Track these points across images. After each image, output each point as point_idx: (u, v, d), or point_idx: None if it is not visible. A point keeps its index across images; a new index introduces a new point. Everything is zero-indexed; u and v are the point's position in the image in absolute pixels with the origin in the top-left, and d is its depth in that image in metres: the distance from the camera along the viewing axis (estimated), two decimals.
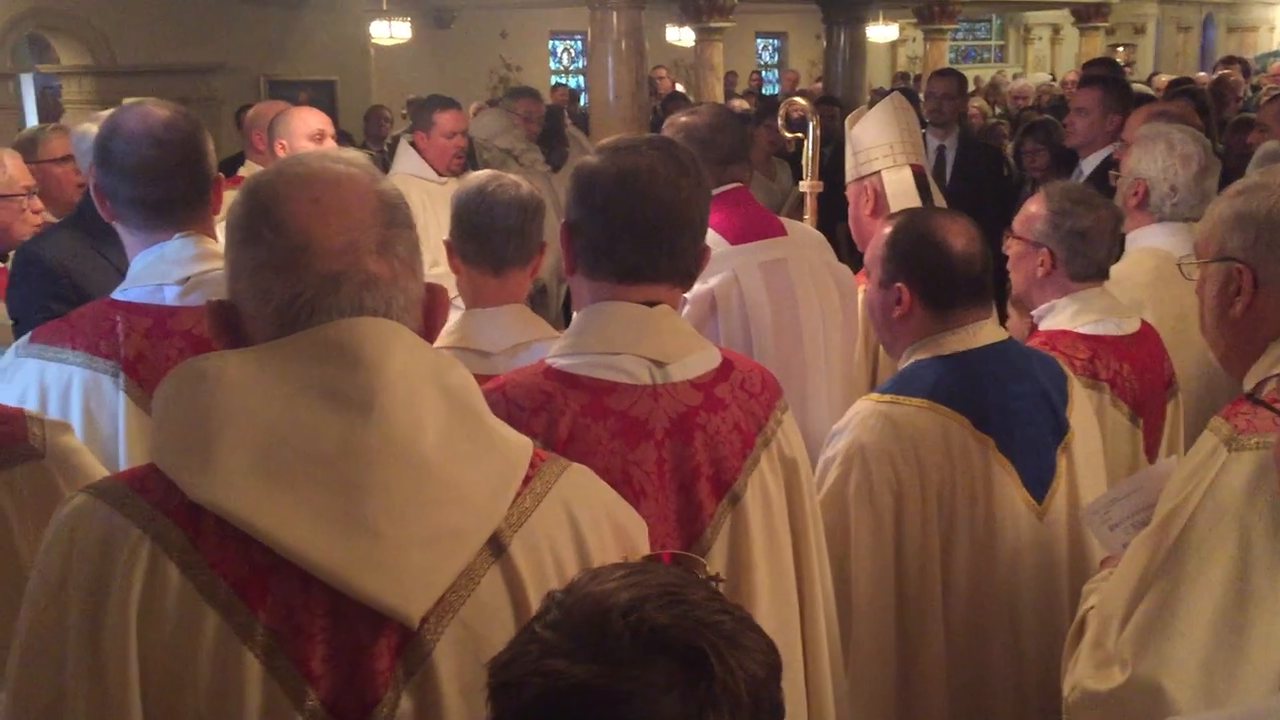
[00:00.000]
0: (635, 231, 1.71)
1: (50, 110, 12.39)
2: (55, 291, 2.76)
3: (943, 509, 2.18)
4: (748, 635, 1.03)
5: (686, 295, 2.05)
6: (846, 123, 3.30)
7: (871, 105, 3.29)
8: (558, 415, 1.64)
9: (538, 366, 1.73)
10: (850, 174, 3.21)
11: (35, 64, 11.99)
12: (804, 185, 3.63)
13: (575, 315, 1.81)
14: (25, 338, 2.11)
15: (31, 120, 13.05)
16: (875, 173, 3.13)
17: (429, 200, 4.46)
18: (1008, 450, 2.20)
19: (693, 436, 1.68)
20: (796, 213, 5.04)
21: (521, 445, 1.30)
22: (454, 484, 1.20)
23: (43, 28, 10.10)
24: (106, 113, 2.77)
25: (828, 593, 1.88)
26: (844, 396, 2.70)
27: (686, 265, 1.77)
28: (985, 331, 2.27)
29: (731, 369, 1.77)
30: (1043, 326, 2.68)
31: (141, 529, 1.15)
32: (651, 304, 1.73)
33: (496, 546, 1.22)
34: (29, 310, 2.80)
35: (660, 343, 1.71)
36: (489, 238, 2.43)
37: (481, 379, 2.19)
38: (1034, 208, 2.68)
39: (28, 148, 4.76)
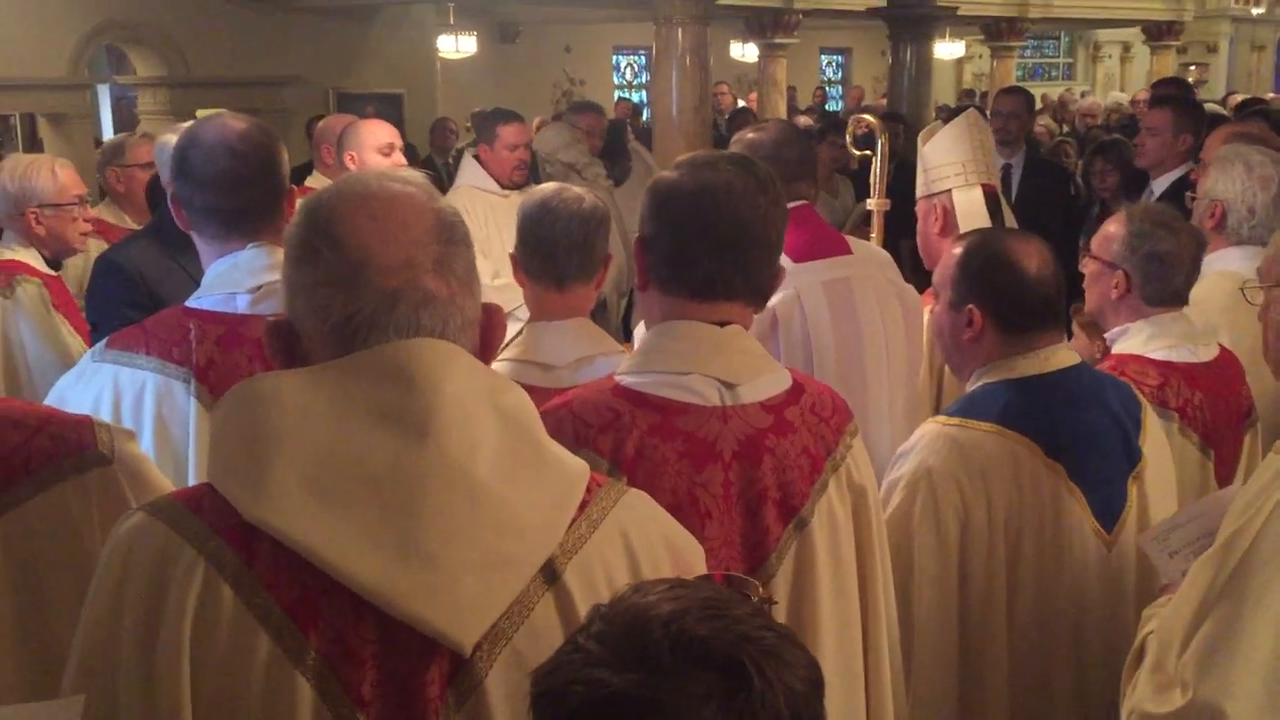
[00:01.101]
0: (711, 248, 1.69)
1: (125, 120, 12.69)
2: (132, 298, 2.81)
3: (1009, 536, 2.14)
4: (789, 651, 1.02)
5: None
6: (919, 139, 3.26)
7: (945, 122, 3.26)
8: (625, 434, 1.62)
9: (606, 383, 1.72)
10: (920, 190, 3.18)
11: (112, 75, 12.28)
12: (871, 203, 3.60)
13: (645, 333, 1.79)
14: (102, 343, 2.15)
15: (107, 129, 13.38)
16: (945, 191, 3.10)
17: (492, 213, 4.49)
18: (1078, 478, 2.16)
19: (761, 460, 1.66)
20: (860, 230, 5.01)
21: (578, 470, 1.29)
22: (509, 509, 1.18)
23: (120, 40, 10.34)
24: (185, 125, 2.83)
25: (892, 621, 1.85)
26: (907, 419, 2.67)
27: (761, 284, 1.75)
28: (1058, 356, 2.23)
29: (802, 392, 1.75)
30: (1115, 350, 2.63)
31: (196, 549, 1.15)
32: (723, 323, 1.71)
33: (550, 574, 1.21)
34: (106, 315, 2.86)
35: (731, 363, 1.69)
36: (552, 254, 2.43)
37: (544, 392, 2.22)
38: (1113, 228, 2.63)
39: (116, 152, 4.98)
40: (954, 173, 3.08)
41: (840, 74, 21.98)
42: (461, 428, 1.18)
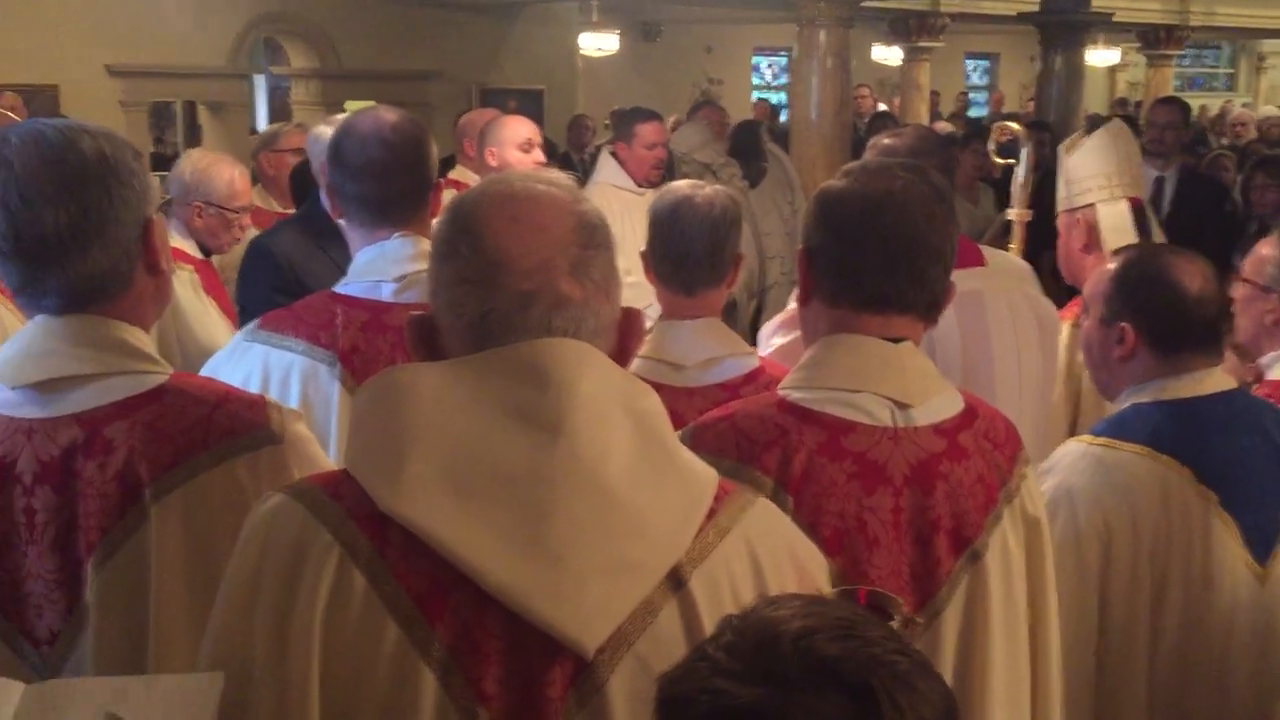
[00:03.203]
0: (884, 259, 1.63)
1: (279, 110, 13.16)
2: (280, 283, 2.91)
3: (1155, 563, 2.05)
4: (924, 680, 0.98)
5: None
6: (1061, 149, 3.16)
7: (1088, 132, 3.15)
8: (792, 452, 1.58)
9: (770, 397, 1.67)
10: (1062, 203, 3.07)
11: (268, 66, 12.75)
12: (1012, 213, 3.50)
13: (812, 346, 1.72)
14: (254, 323, 2.22)
15: (262, 118, 13.90)
16: (1089, 205, 2.99)
17: (627, 210, 4.51)
18: (1231, 507, 2.05)
19: (934, 486, 1.59)
20: (1000, 240, 4.88)
21: (707, 477, 1.27)
22: (637, 513, 1.18)
23: (277, 32, 10.74)
24: (341, 116, 2.92)
25: (1060, 664, 1.77)
26: (1038, 439, 2.58)
27: (934, 297, 1.68)
28: (1213, 379, 2.12)
29: (975, 415, 1.68)
30: (1270, 376, 2.50)
31: (332, 534, 1.17)
32: (894, 338, 1.65)
33: (676, 581, 1.19)
34: (255, 299, 2.96)
35: (904, 383, 1.62)
36: (680, 261, 2.40)
37: (673, 391, 2.22)
38: (1266, 250, 2.50)
39: (270, 139, 5.28)
40: (1098, 185, 2.97)
41: (987, 79, 21.48)
42: (594, 429, 1.18)
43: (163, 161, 10.75)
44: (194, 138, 12.51)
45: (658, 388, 2.22)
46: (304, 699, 1.14)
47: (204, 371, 2.21)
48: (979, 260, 2.68)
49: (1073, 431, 2.56)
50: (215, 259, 3.92)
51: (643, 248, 2.54)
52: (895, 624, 1.28)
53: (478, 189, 1.30)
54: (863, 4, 8.24)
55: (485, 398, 1.18)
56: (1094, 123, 7.59)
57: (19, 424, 1.52)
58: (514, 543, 1.14)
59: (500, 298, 1.21)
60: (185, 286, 3.65)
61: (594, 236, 1.26)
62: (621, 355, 1.30)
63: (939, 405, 1.65)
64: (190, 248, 3.77)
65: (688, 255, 2.40)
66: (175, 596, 1.49)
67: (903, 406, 1.62)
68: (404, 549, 1.15)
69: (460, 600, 1.14)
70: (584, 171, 7.72)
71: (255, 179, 5.23)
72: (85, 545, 1.50)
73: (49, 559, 1.51)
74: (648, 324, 2.50)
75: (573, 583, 1.14)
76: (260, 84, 14.09)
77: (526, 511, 1.15)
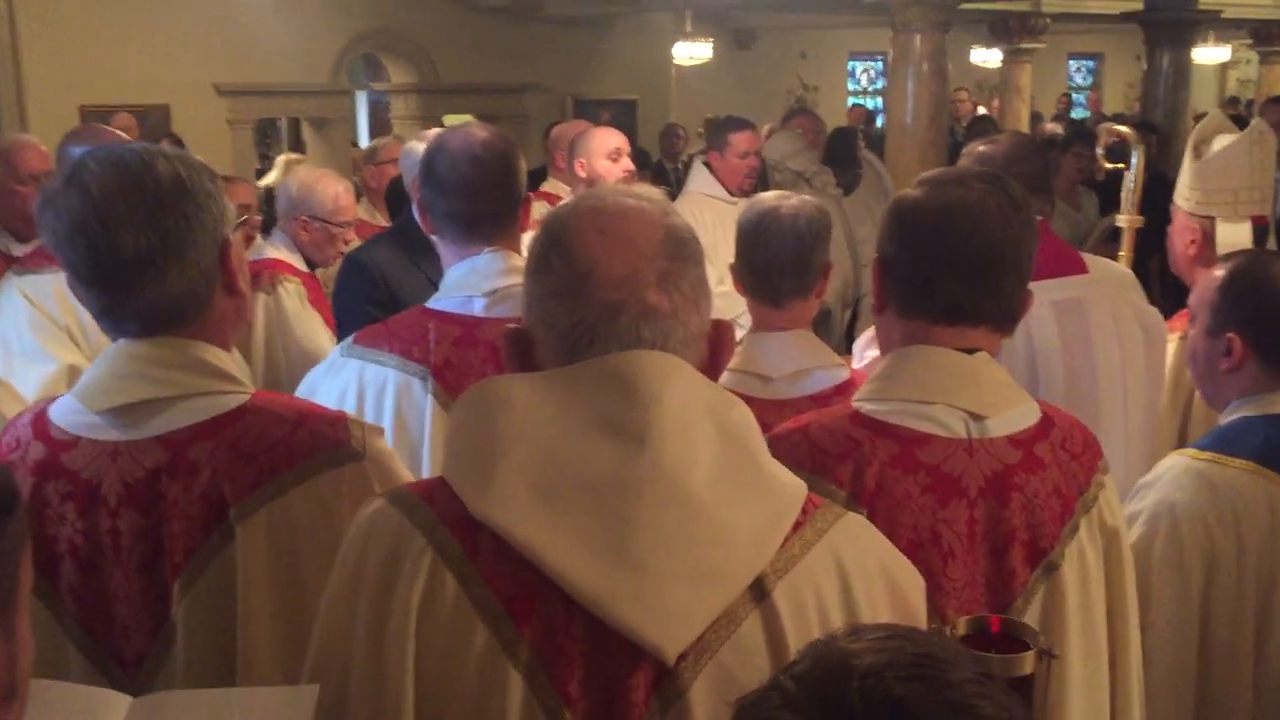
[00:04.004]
0: (958, 271, 1.61)
1: (380, 124, 13.45)
2: (373, 296, 2.96)
3: (1261, 584, 1.97)
4: None
5: None
6: (1190, 141, 3.00)
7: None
8: (865, 464, 1.57)
9: (844, 409, 1.67)
10: (1180, 200, 2.93)
11: (368, 82, 13.04)
12: (1121, 219, 3.40)
13: (885, 357, 1.72)
14: (350, 339, 2.27)
15: (363, 133, 14.22)
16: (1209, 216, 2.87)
17: (719, 219, 4.50)
18: None
19: (1009, 498, 1.58)
20: (1105, 246, 4.75)
21: (795, 489, 1.27)
22: (721, 523, 1.18)
23: (377, 48, 10.96)
24: (433, 131, 2.97)
25: (1140, 676, 1.73)
26: (1143, 453, 2.50)
27: (1010, 309, 1.66)
28: None
29: (1052, 425, 1.65)
30: None
31: (426, 538, 1.20)
32: (968, 350, 1.63)
33: (759, 591, 1.19)
34: (350, 312, 3.02)
35: (979, 394, 1.61)
36: (767, 273, 2.40)
37: (763, 403, 2.21)
38: None
39: (372, 154, 5.52)
40: (1224, 200, 2.82)
41: (1090, 80, 20.97)
42: (679, 439, 1.19)
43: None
44: (298, 152, 12.86)
45: (747, 400, 2.22)
46: (400, 697, 1.17)
47: (303, 385, 2.28)
48: (1081, 268, 2.62)
49: (1181, 444, 2.47)
50: (319, 272, 4.02)
51: (732, 260, 2.53)
52: (1030, 654, 1.24)
53: (569, 204, 1.32)
54: (960, 6, 8.10)
55: (574, 408, 1.20)
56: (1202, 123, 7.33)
57: (104, 447, 1.53)
58: (597, 549, 1.15)
59: (589, 308, 1.23)
60: (292, 298, 3.75)
61: (683, 249, 1.27)
62: (712, 367, 1.30)
63: (1015, 416, 1.63)
64: (297, 261, 3.88)
65: (774, 267, 2.39)
66: (262, 616, 1.50)
67: (977, 418, 1.60)
68: (493, 553, 1.18)
69: (546, 604, 1.16)
70: (677, 180, 7.73)
71: (360, 193, 5.37)
72: (171, 567, 1.51)
73: (135, 581, 1.53)
74: (739, 334, 2.51)
75: (654, 589, 1.15)
76: (361, 99, 14.42)
77: (610, 519, 1.16)
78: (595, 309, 1.23)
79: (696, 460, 1.19)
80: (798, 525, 1.23)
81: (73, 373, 2.83)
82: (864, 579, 1.26)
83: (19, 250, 3.32)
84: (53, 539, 1.53)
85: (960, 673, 0.93)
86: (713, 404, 1.24)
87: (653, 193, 1.33)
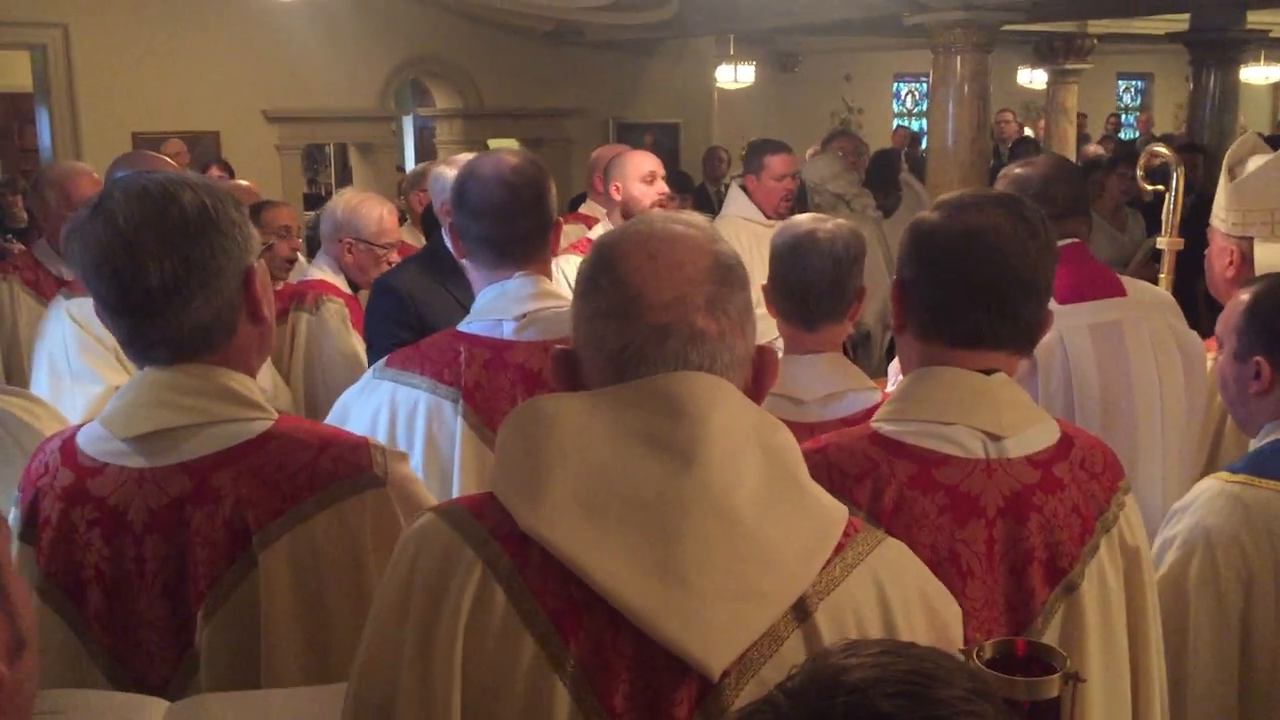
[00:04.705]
0: (976, 295, 1.62)
1: (426, 149, 13.60)
2: (403, 319, 2.99)
3: None
4: None
5: None
6: (1225, 160, 2.98)
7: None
8: (883, 484, 1.58)
9: (863, 430, 1.68)
10: (1217, 220, 2.91)
11: (415, 107, 13.19)
12: (1162, 242, 3.37)
13: (903, 378, 1.74)
14: (382, 361, 2.31)
15: (410, 156, 14.39)
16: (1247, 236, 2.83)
17: (756, 243, 4.51)
18: None
19: (1027, 517, 1.58)
20: (1148, 268, 4.71)
21: (837, 512, 1.28)
22: (764, 543, 1.20)
23: (422, 74, 11.09)
24: (463, 157, 3.02)
25: (1164, 697, 1.72)
26: (1181, 478, 2.47)
27: (1029, 332, 1.67)
28: None
29: (1071, 445, 1.66)
30: None
31: (475, 551, 1.22)
32: (988, 371, 1.64)
33: (802, 611, 1.21)
34: (379, 334, 3.06)
35: (997, 414, 1.61)
36: (802, 298, 2.40)
37: (794, 426, 2.20)
38: None
39: (417, 179, 5.64)
40: (1261, 220, 2.78)
41: (1139, 100, 20.75)
42: (726, 459, 1.21)
43: (315, 201, 11.26)
44: (345, 178, 13.04)
45: None
46: (446, 709, 1.18)
47: (336, 406, 2.31)
48: (1119, 290, 2.60)
49: (1210, 468, 2.44)
50: (363, 294, 4.08)
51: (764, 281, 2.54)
52: (1056, 677, 1.24)
53: (619, 229, 1.36)
54: (1004, 28, 8.05)
55: (622, 426, 1.22)
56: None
57: (130, 473, 1.55)
58: (644, 564, 1.17)
59: (638, 331, 1.25)
60: (335, 319, 3.81)
61: (729, 275, 1.30)
62: (756, 392, 1.32)
63: (1033, 436, 1.63)
64: (340, 283, 3.94)
65: (810, 290, 2.40)
66: (285, 641, 1.51)
67: (995, 438, 1.60)
68: (542, 567, 1.19)
69: (593, 618, 1.18)
70: (719, 203, 7.75)
71: (404, 216, 5.45)
72: (195, 593, 1.52)
73: (160, 607, 1.54)
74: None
75: (699, 605, 1.16)
76: (408, 124, 14.59)
77: (656, 535, 1.18)
78: (644, 331, 1.25)
79: (742, 480, 1.21)
80: (839, 548, 1.25)
81: None
82: (904, 604, 1.27)
83: (70, 274, 3.41)
84: (80, 564, 1.55)
85: (949, 690, 0.91)
86: (758, 426, 1.26)
87: (700, 219, 1.36)
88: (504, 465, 1.27)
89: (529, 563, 1.20)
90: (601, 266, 1.30)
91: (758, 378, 1.32)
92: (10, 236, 7.86)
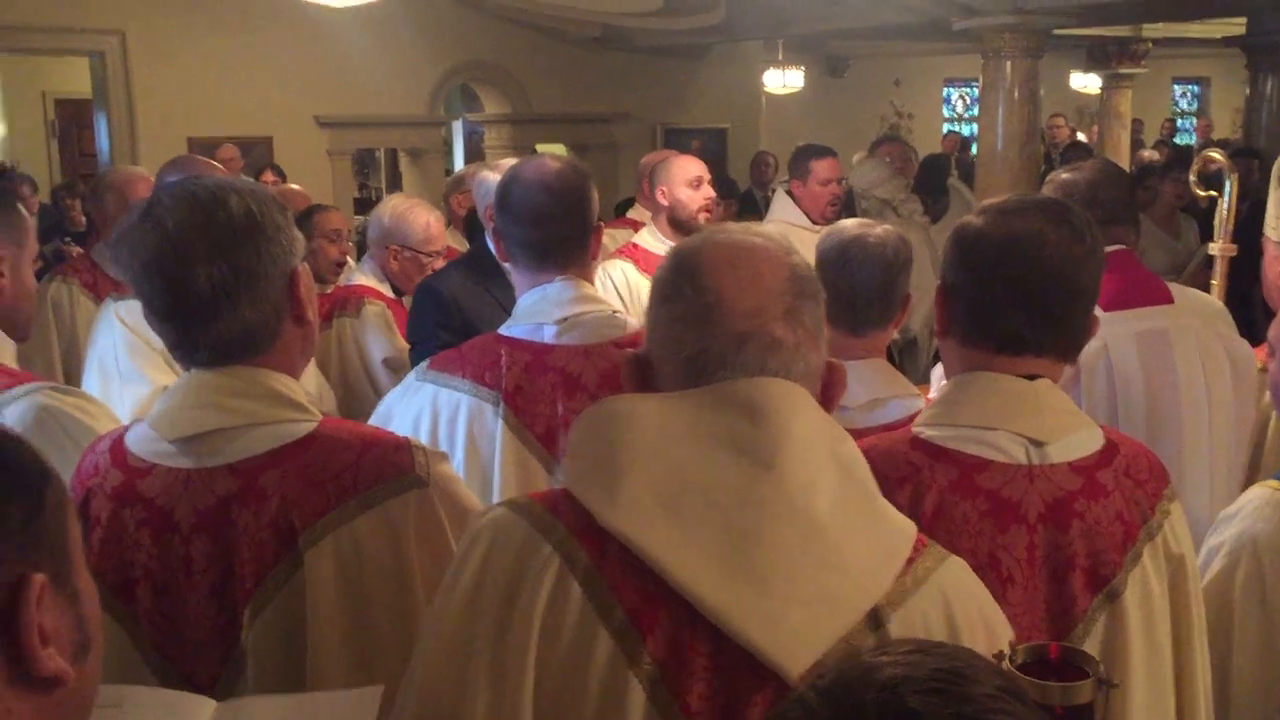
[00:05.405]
0: (1020, 300, 1.61)
1: (475, 153, 13.70)
2: (445, 321, 3.02)
3: None
4: None
5: None
6: (1274, 171, 2.95)
7: None
8: (924, 489, 1.58)
9: (904, 434, 1.68)
10: (1270, 230, 2.87)
11: (464, 112, 13.30)
12: (1214, 248, 3.32)
13: (945, 382, 1.74)
14: (425, 364, 2.33)
15: (459, 161, 14.50)
16: None
17: (802, 248, 4.38)
18: None
19: (1069, 524, 1.57)
20: (1202, 274, 4.63)
21: (907, 526, 1.30)
22: (841, 550, 1.21)
23: (472, 80, 11.17)
24: (506, 161, 3.04)
25: (1209, 706, 1.70)
26: (1229, 487, 2.43)
27: (1073, 338, 1.67)
28: None
29: (1116, 452, 1.64)
30: None
31: (553, 546, 1.23)
32: (1030, 377, 1.63)
33: (875, 620, 1.21)
34: (422, 336, 3.09)
35: (1040, 420, 1.61)
36: (849, 303, 2.39)
37: None
38: None
39: (457, 183, 5.66)
40: None
41: (1195, 105, 20.43)
42: (804, 466, 1.22)
43: (365, 205, 11.38)
44: (395, 182, 13.16)
45: None
46: (517, 706, 1.19)
47: (379, 408, 2.34)
48: (1166, 298, 2.57)
49: (1252, 476, 2.40)
50: (407, 300, 4.11)
51: None
52: (1089, 682, 1.23)
53: (700, 237, 1.38)
54: (1056, 32, 7.97)
55: (701, 428, 1.24)
56: None
57: (177, 474, 1.57)
58: (723, 564, 1.18)
59: (717, 337, 1.27)
60: (378, 319, 3.83)
61: (805, 287, 1.32)
62: (824, 403, 1.34)
63: (1077, 442, 1.62)
64: (384, 289, 3.97)
65: (859, 295, 2.38)
66: (330, 641, 1.53)
67: (1038, 444, 1.59)
68: (620, 563, 1.20)
69: (671, 617, 1.19)
70: (765, 208, 7.74)
71: (448, 220, 5.50)
72: (241, 592, 1.54)
73: (207, 606, 1.56)
74: None
75: (777, 607, 1.17)
76: (457, 129, 14.70)
77: (736, 537, 1.19)
78: (723, 338, 1.27)
79: (819, 487, 1.22)
80: (910, 561, 1.26)
81: None
82: (967, 621, 1.28)
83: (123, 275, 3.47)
84: (129, 564, 1.58)
85: (979, 687, 0.92)
86: (830, 436, 1.28)
87: (774, 232, 1.39)
88: (580, 462, 1.28)
89: (607, 558, 1.21)
90: (683, 273, 1.32)
91: (826, 390, 1.34)
92: (69, 240, 8.00)
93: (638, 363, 1.35)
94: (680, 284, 1.31)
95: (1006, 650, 1.25)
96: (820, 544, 1.20)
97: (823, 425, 1.28)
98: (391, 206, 4.04)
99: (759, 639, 1.16)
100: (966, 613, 1.28)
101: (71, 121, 12.94)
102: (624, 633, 1.19)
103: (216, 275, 1.53)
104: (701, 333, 1.27)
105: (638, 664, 1.18)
